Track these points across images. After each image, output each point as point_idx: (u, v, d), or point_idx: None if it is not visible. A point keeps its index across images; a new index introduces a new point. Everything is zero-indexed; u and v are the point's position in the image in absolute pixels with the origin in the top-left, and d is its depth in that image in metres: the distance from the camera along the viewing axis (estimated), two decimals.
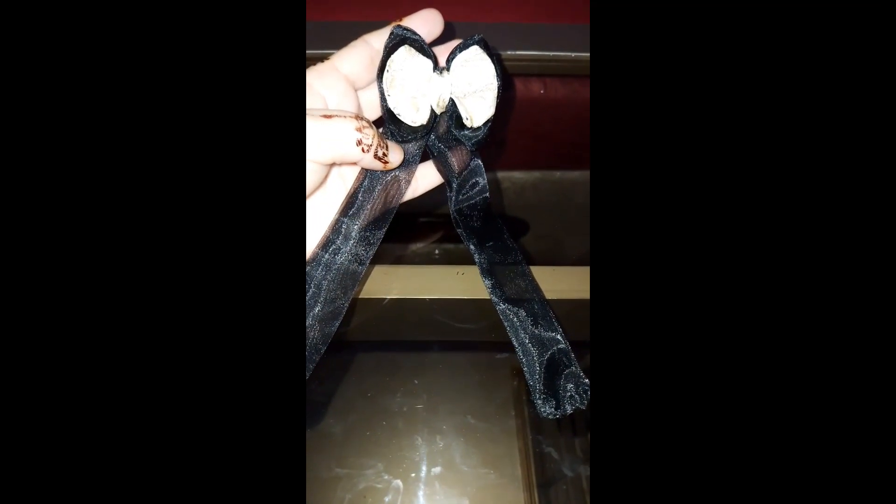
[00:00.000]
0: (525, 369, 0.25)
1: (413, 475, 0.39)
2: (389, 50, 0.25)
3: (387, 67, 0.25)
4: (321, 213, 0.27)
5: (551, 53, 0.41)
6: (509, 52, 0.41)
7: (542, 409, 0.24)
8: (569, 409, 0.24)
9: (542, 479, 0.40)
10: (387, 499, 0.38)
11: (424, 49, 0.26)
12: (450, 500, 0.38)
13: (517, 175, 0.56)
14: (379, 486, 0.38)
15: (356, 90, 0.27)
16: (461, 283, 0.38)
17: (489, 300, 0.39)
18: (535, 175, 0.56)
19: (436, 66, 0.26)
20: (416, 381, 0.43)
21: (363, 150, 0.24)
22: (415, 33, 0.26)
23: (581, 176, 0.56)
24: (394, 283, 0.38)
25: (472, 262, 0.37)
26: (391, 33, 0.25)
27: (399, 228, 0.51)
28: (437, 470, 0.39)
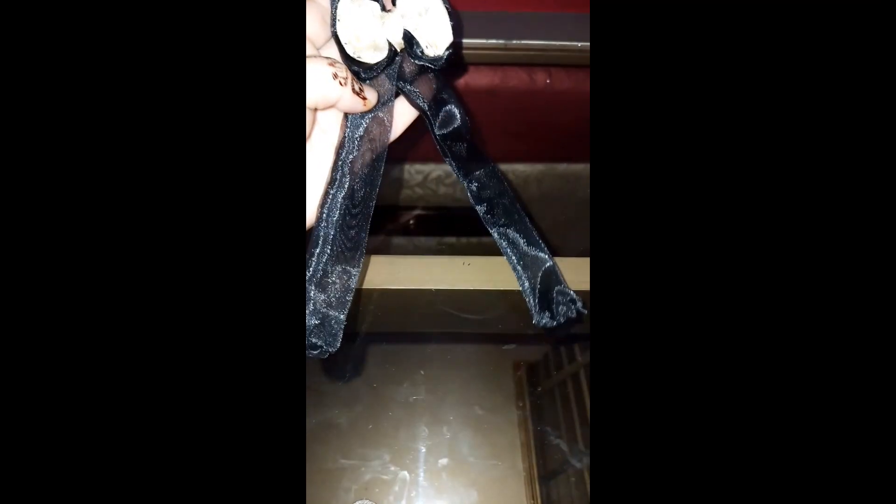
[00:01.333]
0: (521, 287, 0.28)
1: (420, 466, 0.39)
2: (334, 1, 0.27)
3: (337, 17, 0.26)
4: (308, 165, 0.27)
5: (557, 43, 0.41)
6: (514, 42, 0.41)
7: (539, 320, 0.27)
8: (562, 320, 0.27)
9: (548, 470, 0.40)
10: (394, 490, 0.38)
11: None
12: (458, 491, 0.38)
13: (520, 167, 0.55)
14: (385, 477, 0.38)
15: (317, 49, 0.28)
16: (467, 273, 0.38)
17: (495, 291, 0.39)
18: (538, 168, 0.55)
19: (383, 8, 0.28)
20: (421, 372, 0.43)
21: (340, 84, 0.25)
22: None
23: (585, 169, 0.55)
24: (399, 273, 0.38)
25: (478, 254, 0.37)
26: None
27: (402, 221, 0.51)
28: (444, 461, 0.39)
